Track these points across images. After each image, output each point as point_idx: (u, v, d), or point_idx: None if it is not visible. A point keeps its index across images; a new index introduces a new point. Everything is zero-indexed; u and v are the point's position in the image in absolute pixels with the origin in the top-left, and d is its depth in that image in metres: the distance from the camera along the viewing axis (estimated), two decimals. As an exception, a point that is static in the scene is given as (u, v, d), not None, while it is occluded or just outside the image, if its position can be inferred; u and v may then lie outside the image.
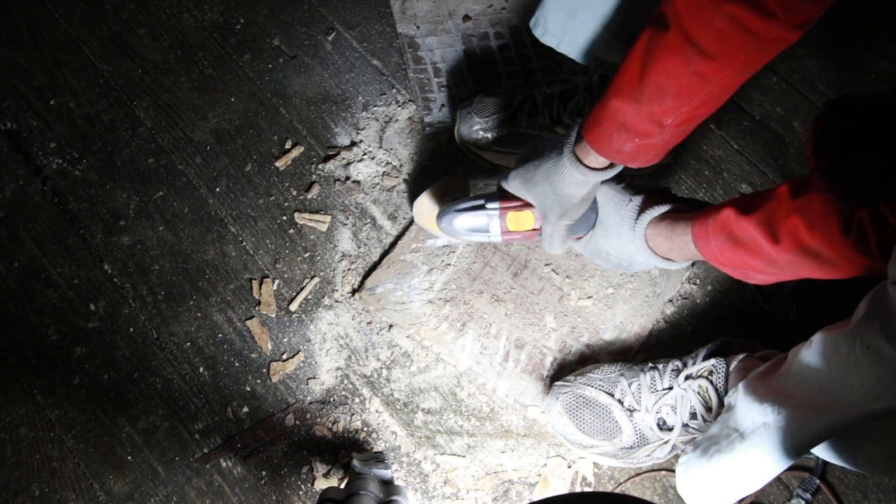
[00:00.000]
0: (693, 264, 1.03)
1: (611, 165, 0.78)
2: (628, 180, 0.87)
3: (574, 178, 0.78)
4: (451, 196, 0.99)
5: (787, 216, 0.68)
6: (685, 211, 0.82)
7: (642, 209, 0.82)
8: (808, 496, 0.90)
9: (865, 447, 0.69)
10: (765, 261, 0.72)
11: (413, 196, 1.06)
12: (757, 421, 0.68)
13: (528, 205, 0.88)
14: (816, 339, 0.63)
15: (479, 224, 0.90)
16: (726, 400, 0.77)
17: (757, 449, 0.67)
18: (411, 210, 1.03)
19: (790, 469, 0.92)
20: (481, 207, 0.89)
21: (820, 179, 0.50)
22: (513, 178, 0.85)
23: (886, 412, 0.54)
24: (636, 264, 0.86)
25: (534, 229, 0.89)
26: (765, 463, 0.67)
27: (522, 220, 0.89)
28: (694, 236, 0.78)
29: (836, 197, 0.50)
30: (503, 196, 0.89)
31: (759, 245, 0.71)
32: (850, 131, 0.47)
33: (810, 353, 0.64)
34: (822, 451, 0.77)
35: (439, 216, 0.92)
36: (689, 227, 0.78)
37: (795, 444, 0.64)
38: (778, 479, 0.91)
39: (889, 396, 0.53)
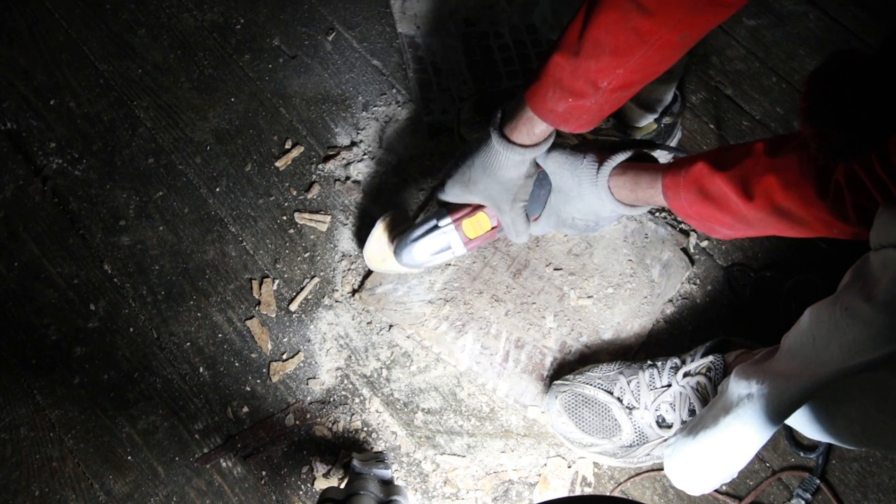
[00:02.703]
0: (693, 264, 1.03)
1: (544, 140, 0.78)
2: (573, 143, 0.86)
3: (510, 159, 0.78)
4: (398, 231, 0.96)
5: (763, 174, 0.67)
6: (644, 160, 0.82)
7: (601, 162, 0.81)
8: (809, 496, 0.90)
9: (843, 411, 0.70)
10: (734, 216, 0.72)
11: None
12: (742, 394, 0.68)
13: (477, 207, 0.88)
14: (804, 314, 0.64)
15: (439, 245, 0.90)
16: (719, 387, 0.77)
17: (740, 420, 0.68)
18: (363, 256, 0.99)
19: (791, 469, 0.92)
20: (435, 228, 0.89)
21: (801, 122, 0.51)
22: (451, 188, 0.85)
23: (862, 367, 0.55)
24: (602, 221, 0.85)
25: (493, 227, 0.89)
26: (748, 434, 0.68)
27: (479, 224, 0.89)
28: (664, 187, 0.77)
29: (815, 145, 0.51)
30: (450, 209, 0.89)
31: (729, 201, 0.71)
32: (836, 77, 0.48)
33: (797, 327, 0.65)
34: (802, 424, 0.77)
35: (397, 252, 0.91)
36: (658, 178, 0.78)
37: (776, 409, 0.64)
38: (778, 479, 0.91)
39: (865, 351, 0.54)
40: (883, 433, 0.66)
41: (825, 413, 0.73)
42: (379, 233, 0.95)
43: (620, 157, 0.81)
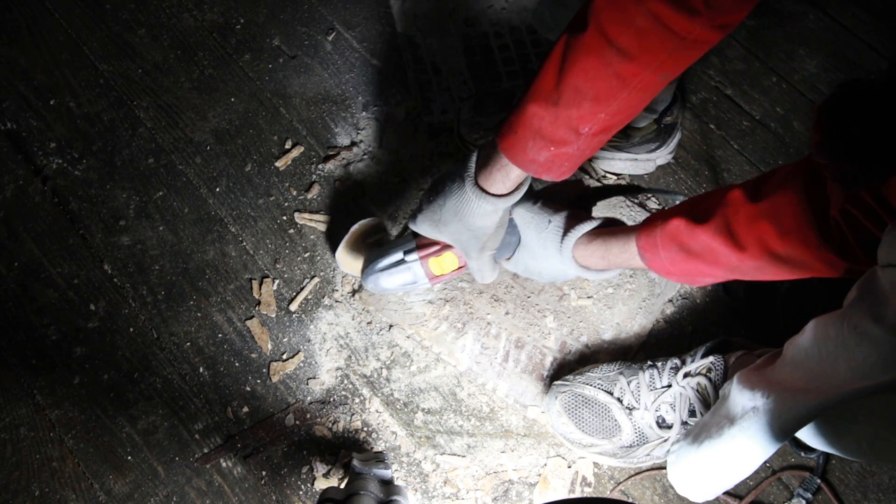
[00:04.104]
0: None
1: (517, 188, 0.76)
2: (542, 197, 0.85)
3: (482, 209, 0.76)
4: (369, 242, 0.96)
5: (753, 222, 0.66)
6: (612, 224, 0.81)
7: (566, 230, 0.80)
8: (809, 496, 0.90)
9: (851, 429, 0.69)
10: (724, 268, 0.70)
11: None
12: (747, 406, 0.67)
13: (446, 246, 0.87)
14: (809, 325, 0.63)
15: (404, 280, 0.90)
16: (721, 391, 0.77)
17: (745, 433, 0.67)
18: (335, 260, 1.00)
19: (791, 469, 0.92)
20: (401, 262, 0.89)
21: (814, 154, 0.50)
22: (421, 223, 0.83)
23: (872, 390, 0.54)
24: (570, 277, 0.85)
25: (460, 267, 0.89)
26: (752, 448, 0.67)
27: (446, 263, 0.88)
28: (640, 249, 0.75)
29: (830, 175, 0.51)
30: (419, 243, 0.88)
31: (717, 255, 0.69)
32: (845, 109, 0.47)
33: (803, 339, 0.64)
34: (808, 437, 0.77)
35: (364, 277, 0.91)
36: (631, 241, 0.76)
37: (782, 426, 0.63)
38: (778, 478, 0.91)
39: (875, 373, 0.53)
40: (892, 452, 0.65)
41: (832, 429, 0.73)
42: (347, 240, 0.96)
43: (584, 228, 0.79)
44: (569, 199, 0.87)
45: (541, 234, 0.82)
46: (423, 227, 0.84)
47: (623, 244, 0.77)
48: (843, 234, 0.60)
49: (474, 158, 0.76)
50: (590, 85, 0.64)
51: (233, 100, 1.16)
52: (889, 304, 0.52)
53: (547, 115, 0.67)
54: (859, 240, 0.60)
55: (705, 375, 0.84)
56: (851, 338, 0.55)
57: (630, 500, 0.92)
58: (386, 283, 0.90)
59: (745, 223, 0.66)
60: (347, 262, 0.98)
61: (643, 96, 0.66)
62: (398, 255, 0.89)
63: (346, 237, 0.96)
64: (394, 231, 1.06)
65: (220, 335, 1.01)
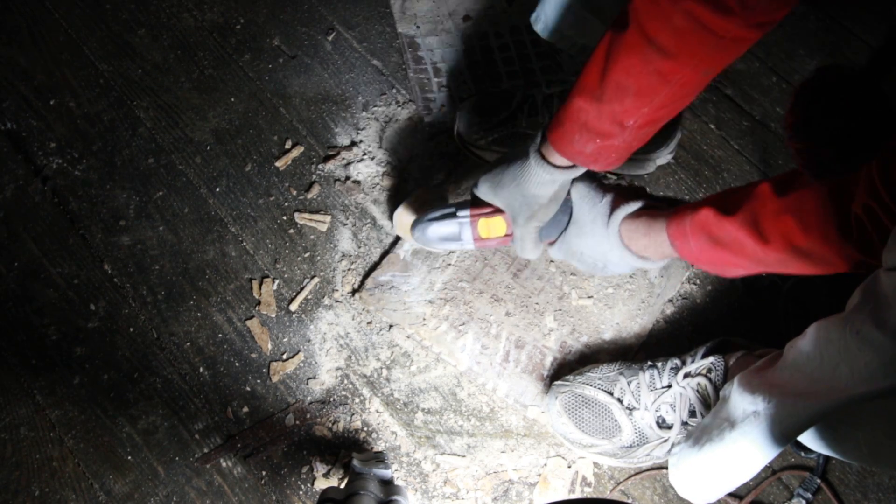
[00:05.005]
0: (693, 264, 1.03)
1: (575, 166, 0.78)
2: (601, 179, 0.86)
3: (540, 177, 0.79)
4: (428, 206, 0.98)
5: (777, 216, 0.67)
6: (662, 208, 0.82)
7: (615, 206, 0.82)
8: (809, 496, 0.90)
9: (851, 433, 0.69)
10: (750, 260, 0.72)
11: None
12: (748, 410, 0.68)
13: (499, 211, 0.88)
14: (810, 329, 0.63)
15: (450, 232, 0.90)
16: (721, 392, 0.77)
17: (746, 437, 0.67)
18: (391, 221, 1.01)
19: (791, 469, 0.92)
20: (452, 216, 0.89)
21: (788, 139, 0.51)
22: (482, 184, 0.86)
23: (873, 395, 0.54)
24: (610, 265, 0.86)
25: (506, 235, 0.89)
26: (753, 452, 0.67)
27: (494, 227, 0.89)
28: (670, 235, 0.77)
29: (802, 161, 0.51)
30: (475, 204, 0.89)
31: (743, 246, 0.71)
32: (823, 92, 0.48)
33: (804, 342, 0.64)
34: (808, 440, 0.77)
35: (413, 225, 0.92)
36: (665, 225, 0.78)
37: (784, 431, 0.64)
38: (778, 478, 0.91)
39: (876, 379, 0.53)
40: (892, 457, 0.65)
41: (832, 434, 0.73)
42: (410, 203, 0.98)
43: (636, 205, 0.82)
44: (632, 186, 0.88)
45: (593, 208, 0.84)
46: (482, 188, 0.86)
47: (662, 227, 0.79)
48: (865, 230, 0.60)
49: (542, 131, 0.79)
50: (631, 81, 0.66)
51: (233, 100, 1.16)
52: (892, 308, 0.51)
53: (592, 109, 0.69)
54: (882, 236, 0.60)
55: (705, 376, 0.84)
56: (853, 342, 0.55)
57: (630, 500, 0.92)
58: (433, 233, 0.90)
59: (770, 217, 0.67)
60: (403, 223, 0.98)
61: (686, 91, 0.68)
62: (451, 209, 0.90)
63: (408, 199, 0.97)
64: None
65: (220, 335, 1.01)
